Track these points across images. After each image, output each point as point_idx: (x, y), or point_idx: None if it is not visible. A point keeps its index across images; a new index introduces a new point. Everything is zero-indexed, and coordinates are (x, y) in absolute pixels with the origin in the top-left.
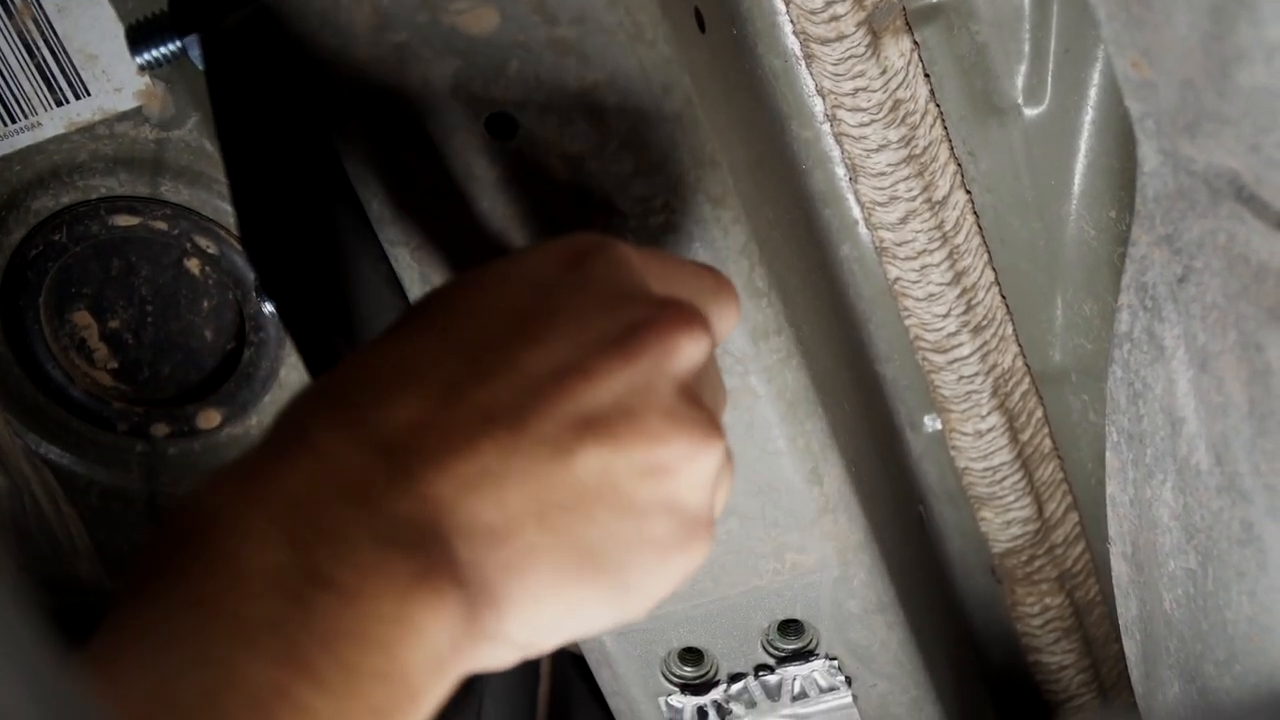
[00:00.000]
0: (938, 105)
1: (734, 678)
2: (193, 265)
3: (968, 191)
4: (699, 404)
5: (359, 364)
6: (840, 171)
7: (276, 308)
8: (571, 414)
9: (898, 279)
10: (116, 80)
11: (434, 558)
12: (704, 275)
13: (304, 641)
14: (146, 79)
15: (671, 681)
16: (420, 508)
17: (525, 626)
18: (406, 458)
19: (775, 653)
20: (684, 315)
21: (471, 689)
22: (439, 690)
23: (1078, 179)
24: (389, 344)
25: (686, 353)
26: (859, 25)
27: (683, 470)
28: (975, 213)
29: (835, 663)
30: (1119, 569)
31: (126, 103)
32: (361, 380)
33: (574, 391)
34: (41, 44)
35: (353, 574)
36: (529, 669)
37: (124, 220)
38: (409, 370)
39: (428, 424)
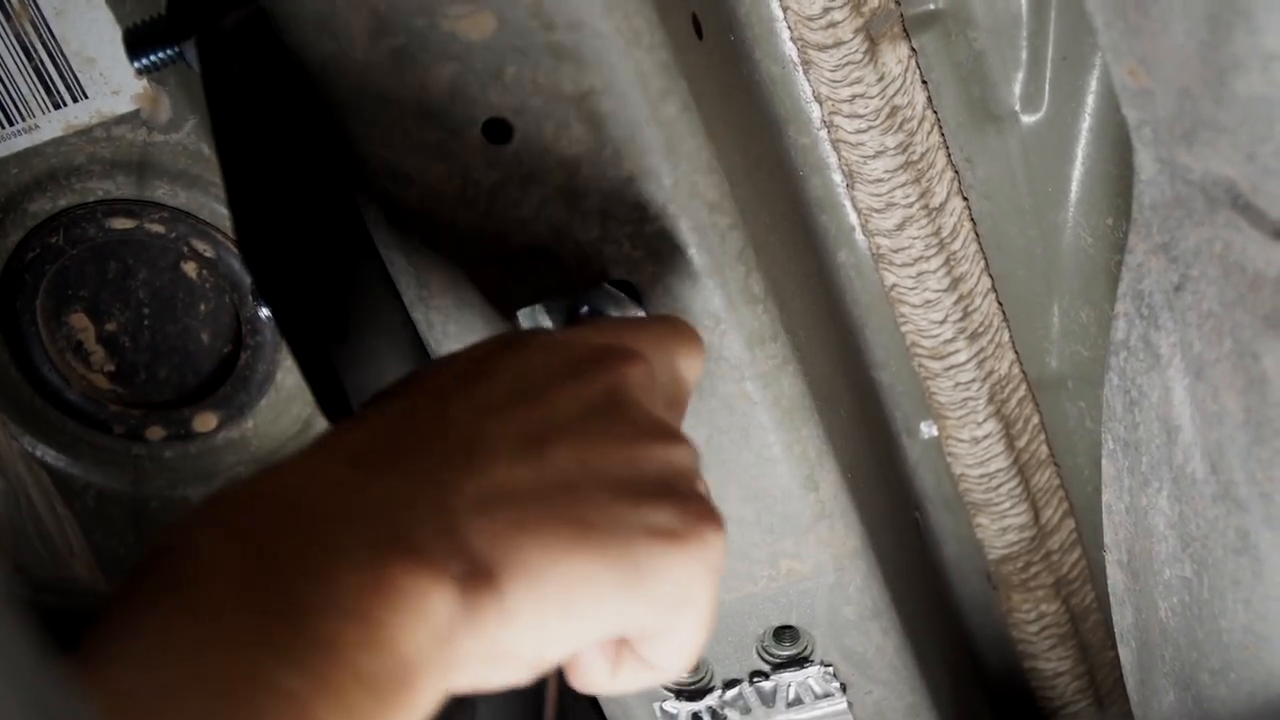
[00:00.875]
0: (935, 112)
1: (729, 684)
2: (189, 268)
3: (965, 198)
4: (655, 413)
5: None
6: (837, 178)
7: (272, 312)
8: (533, 422)
9: (894, 285)
10: (114, 83)
11: (410, 523)
12: (649, 325)
13: (271, 625)
14: (144, 82)
15: (666, 687)
16: (394, 493)
17: (530, 604)
18: (372, 459)
19: (770, 659)
20: (623, 353)
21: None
22: (444, 671)
23: (1075, 186)
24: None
25: (633, 380)
26: (856, 32)
27: (658, 462)
28: (972, 219)
29: (830, 669)
30: (1115, 576)
31: (124, 106)
32: (336, 428)
33: (529, 408)
34: (39, 47)
35: (321, 553)
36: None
37: (121, 223)
38: (375, 413)
39: (396, 437)
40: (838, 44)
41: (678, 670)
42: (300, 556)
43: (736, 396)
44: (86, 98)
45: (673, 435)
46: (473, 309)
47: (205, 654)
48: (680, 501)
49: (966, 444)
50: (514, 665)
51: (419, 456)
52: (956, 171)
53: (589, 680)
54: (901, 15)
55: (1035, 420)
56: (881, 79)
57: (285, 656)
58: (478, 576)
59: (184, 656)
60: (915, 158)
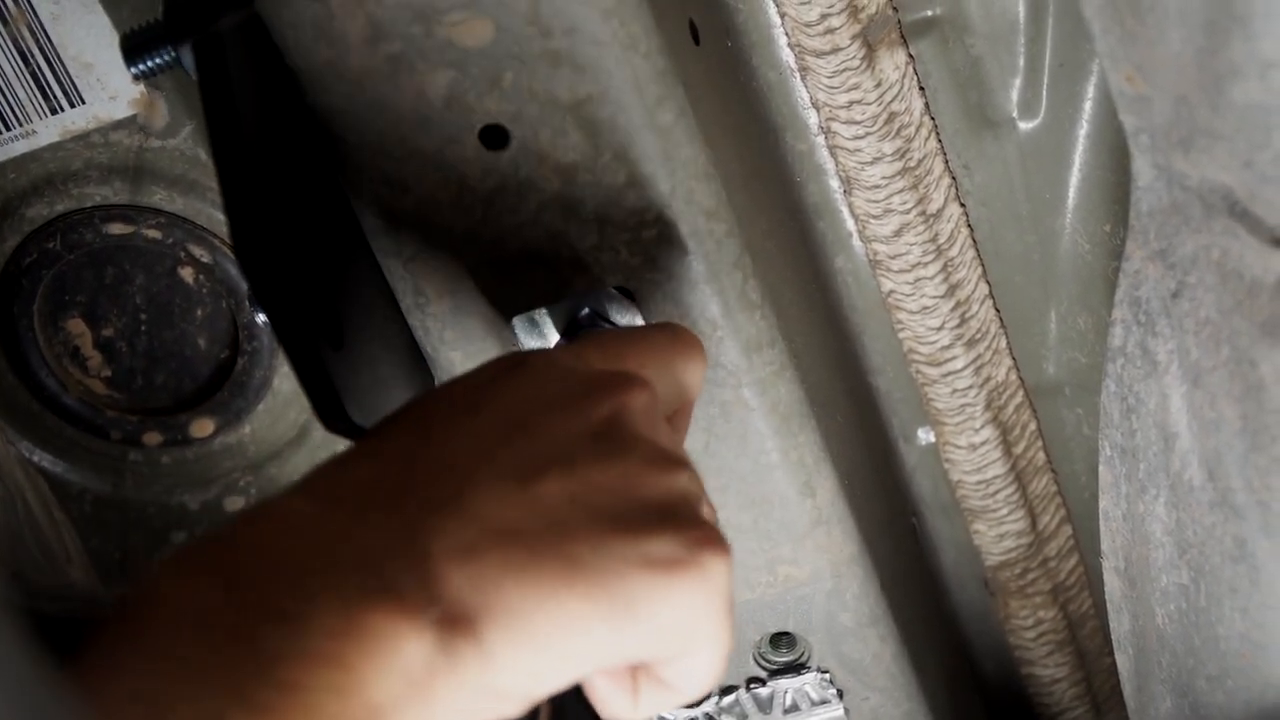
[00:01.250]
0: (933, 118)
1: (725, 690)
2: (186, 274)
3: (962, 205)
4: (657, 441)
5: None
6: (835, 184)
7: (268, 317)
8: (523, 457)
9: (892, 292)
10: (111, 89)
11: (388, 568)
12: (651, 339)
13: (237, 671)
14: (141, 88)
15: None
16: (374, 537)
17: (513, 647)
18: (355, 501)
19: (767, 665)
20: (624, 381)
21: None
22: (419, 715)
23: (1072, 193)
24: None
25: (634, 408)
26: (854, 38)
27: (656, 490)
28: (970, 226)
29: (827, 676)
30: (1112, 583)
31: (121, 111)
32: (323, 465)
33: (520, 442)
34: (36, 52)
35: (298, 600)
36: None
37: (118, 228)
38: (364, 450)
39: (381, 478)
40: (835, 50)
41: (700, 692)
42: (272, 602)
43: (733, 403)
44: (84, 103)
45: (672, 462)
46: (470, 315)
47: (169, 700)
48: (679, 529)
49: (964, 450)
50: (502, 702)
51: (404, 498)
52: (954, 178)
53: (611, 711)
54: (899, 21)
55: (1032, 427)
56: (879, 85)
57: (250, 702)
58: (456, 622)
59: (148, 703)
60: (913, 164)
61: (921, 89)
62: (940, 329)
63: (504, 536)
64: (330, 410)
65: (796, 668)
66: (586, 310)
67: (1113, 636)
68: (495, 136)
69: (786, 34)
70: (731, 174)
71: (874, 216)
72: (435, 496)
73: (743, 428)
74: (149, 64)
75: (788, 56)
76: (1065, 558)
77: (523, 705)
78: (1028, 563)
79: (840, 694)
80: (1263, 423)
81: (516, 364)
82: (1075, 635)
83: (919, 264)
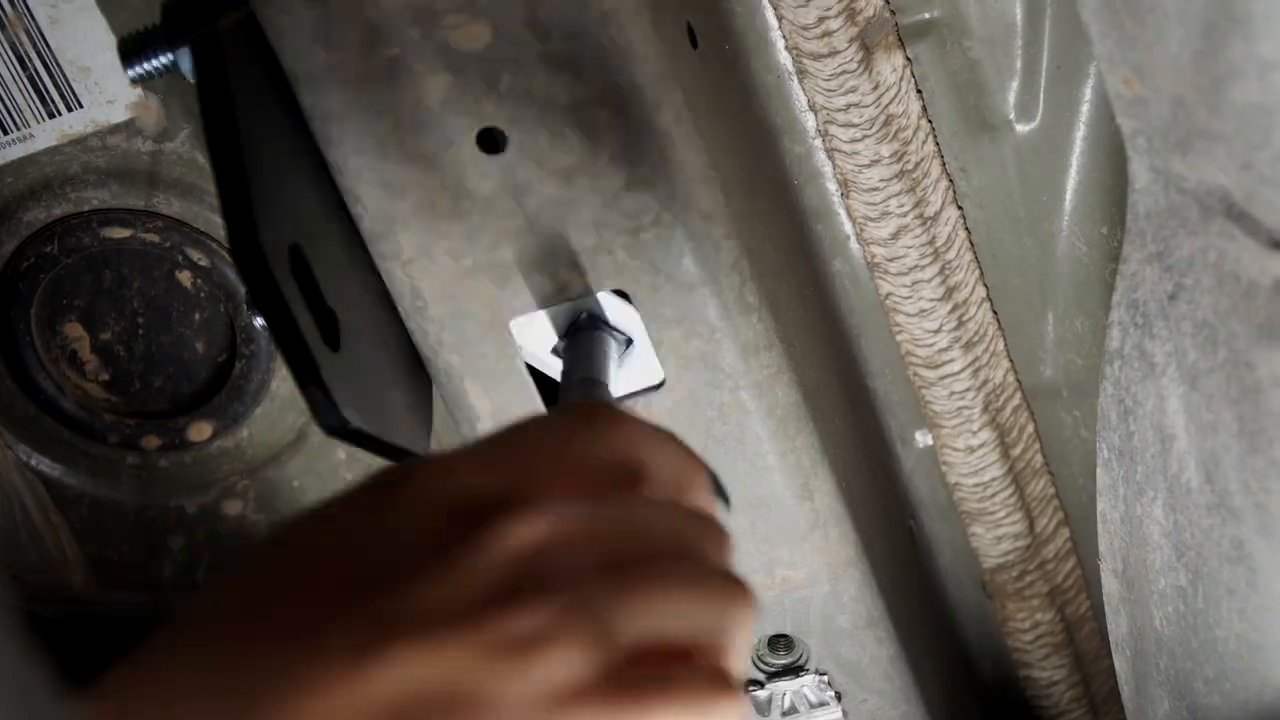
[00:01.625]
0: (930, 121)
1: None
2: (184, 278)
3: (959, 207)
4: (556, 587)
5: None
6: (832, 187)
7: (266, 321)
8: (370, 619)
9: (889, 294)
10: (109, 93)
11: None
12: (561, 430)
13: None
14: (139, 91)
15: None
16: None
17: None
18: (186, 686)
19: (765, 668)
20: (515, 507)
21: None
22: None
23: (1069, 195)
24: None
25: (524, 540)
26: (851, 41)
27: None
28: (967, 228)
29: (825, 678)
30: (1109, 585)
31: (119, 115)
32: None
33: (372, 598)
34: (34, 56)
35: None
36: None
37: (116, 232)
38: (205, 605)
39: (205, 654)
40: (832, 53)
41: None
42: None
43: (731, 405)
44: (81, 107)
45: (576, 619)
46: (467, 318)
47: None
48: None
49: (961, 453)
50: None
51: (226, 681)
52: (951, 180)
53: None
54: (896, 24)
55: (1030, 429)
56: (876, 88)
57: None
58: None
59: None
60: (910, 166)
61: (919, 91)
62: (938, 331)
63: None
64: (328, 413)
65: (794, 670)
66: (585, 313)
67: (1110, 639)
68: (493, 140)
69: (784, 37)
70: (729, 177)
71: (871, 219)
72: (255, 682)
73: (740, 430)
74: (146, 67)
75: (785, 59)
76: (1063, 560)
77: None
78: (1025, 565)
79: (838, 696)
80: (1260, 425)
81: (386, 486)
82: (1073, 638)
83: (916, 266)
